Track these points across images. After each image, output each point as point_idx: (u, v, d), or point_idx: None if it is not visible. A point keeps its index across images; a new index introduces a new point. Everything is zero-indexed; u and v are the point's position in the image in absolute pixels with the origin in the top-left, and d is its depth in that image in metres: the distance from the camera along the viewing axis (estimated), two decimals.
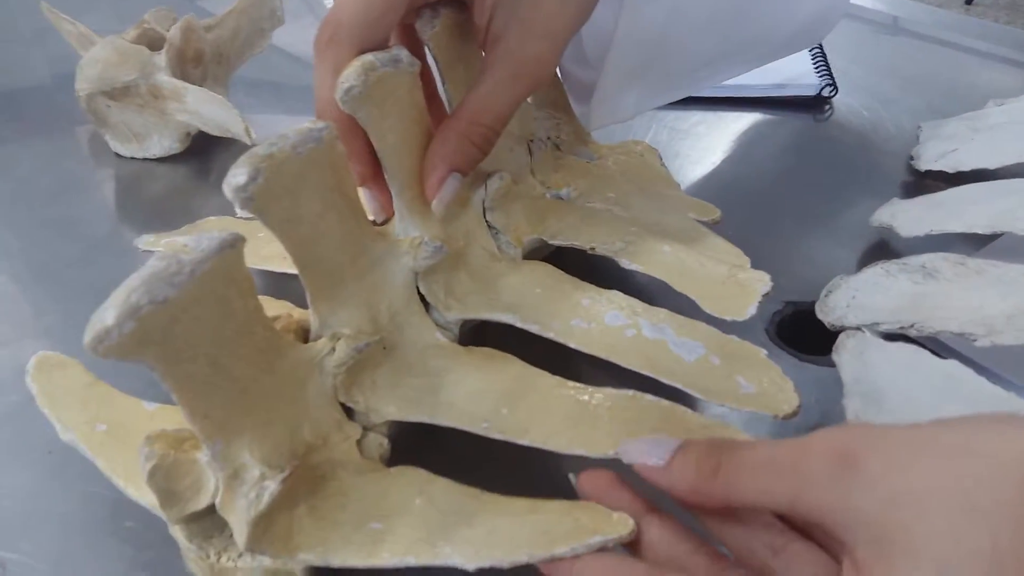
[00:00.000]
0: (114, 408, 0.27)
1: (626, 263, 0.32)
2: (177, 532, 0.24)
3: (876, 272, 0.33)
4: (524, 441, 0.25)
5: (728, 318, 0.29)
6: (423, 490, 0.24)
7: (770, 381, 0.26)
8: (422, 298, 0.29)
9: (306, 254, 0.25)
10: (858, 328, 0.31)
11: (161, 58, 0.44)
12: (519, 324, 0.29)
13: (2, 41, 0.63)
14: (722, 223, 0.39)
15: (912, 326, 0.30)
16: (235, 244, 0.21)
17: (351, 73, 0.26)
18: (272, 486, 0.21)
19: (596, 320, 0.29)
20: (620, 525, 0.21)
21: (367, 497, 0.23)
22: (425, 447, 0.26)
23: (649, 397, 0.26)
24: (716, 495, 0.21)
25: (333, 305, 0.26)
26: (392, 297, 0.28)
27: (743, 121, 0.55)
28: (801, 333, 0.36)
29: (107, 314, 0.18)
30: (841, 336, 0.31)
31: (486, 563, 0.21)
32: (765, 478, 0.20)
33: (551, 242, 0.34)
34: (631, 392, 0.26)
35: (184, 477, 0.23)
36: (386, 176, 0.28)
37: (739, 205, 0.46)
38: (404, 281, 0.28)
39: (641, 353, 0.28)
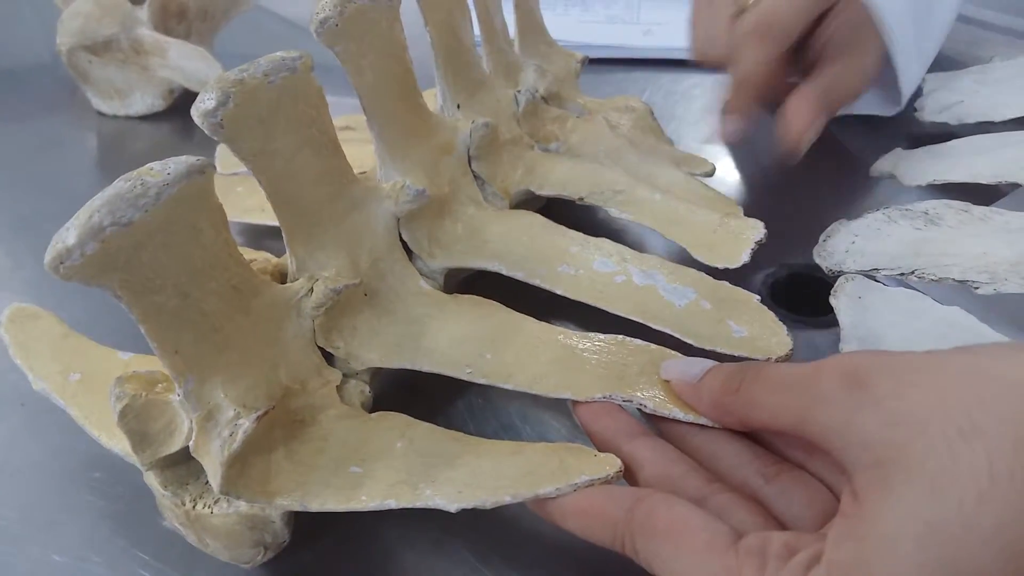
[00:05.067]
0: (88, 358, 0.27)
1: (615, 212, 0.31)
2: (151, 479, 0.23)
3: (877, 217, 0.32)
4: (508, 385, 0.24)
5: (720, 265, 0.29)
6: (404, 434, 0.23)
7: (762, 325, 0.25)
8: (406, 247, 0.28)
9: (280, 189, 0.24)
10: (857, 273, 0.30)
11: (143, 12, 0.43)
12: (505, 271, 0.28)
13: None
14: (717, 186, 0.39)
15: (913, 272, 0.29)
16: (204, 170, 0.20)
17: (327, 3, 0.25)
18: (246, 424, 0.21)
19: (584, 267, 0.28)
20: (606, 465, 0.21)
21: (347, 441, 0.23)
22: (407, 406, 0.25)
23: (637, 341, 0.25)
24: (735, 411, 0.21)
25: (311, 247, 0.25)
26: (373, 242, 0.27)
27: None
28: (796, 296, 0.35)
29: (68, 234, 0.17)
30: (840, 279, 0.30)
31: (468, 504, 0.20)
32: (778, 396, 0.20)
33: (539, 192, 0.33)
34: (619, 336, 0.25)
35: (157, 419, 0.22)
36: (366, 117, 0.28)
37: (735, 168, 0.45)
38: (385, 226, 0.27)
39: (630, 299, 0.27)
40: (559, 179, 0.33)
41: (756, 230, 0.30)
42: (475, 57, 0.34)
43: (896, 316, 0.28)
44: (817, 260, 0.32)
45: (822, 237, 0.33)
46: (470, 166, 0.32)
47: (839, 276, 0.31)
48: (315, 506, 0.21)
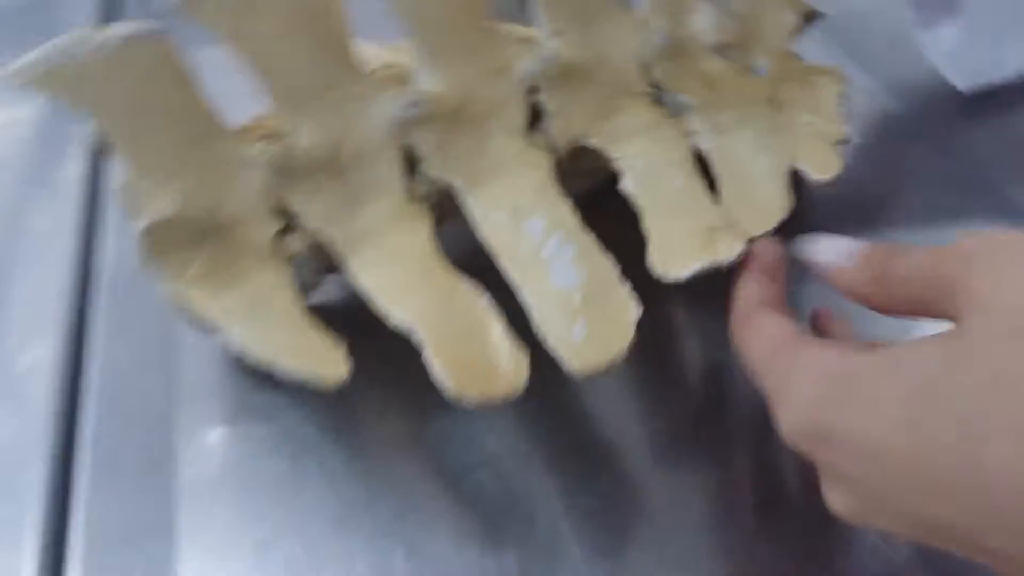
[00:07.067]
0: None
1: (622, 182, 0.29)
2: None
3: None
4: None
5: (659, 271, 0.25)
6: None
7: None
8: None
9: (268, 61, 0.27)
10: None
11: None
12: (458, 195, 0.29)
13: None
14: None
15: None
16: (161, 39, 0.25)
17: None
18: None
19: (516, 219, 0.27)
20: None
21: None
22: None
23: None
24: (880, 304, 0.21)
25: (297, 114, 0.28)
26: (365, 135, 0.29)
27: None
28: None
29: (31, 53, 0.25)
30: None
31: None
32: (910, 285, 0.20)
33: (582, 143, 0.31)
34: None
35: None
36: (405, 26, 0.29)
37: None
38: (383, 124, 0.29)
39: (520, 262, 0.26)
40: (612, 139, 0.31)
41: (731, 248, 0.25)
42: None
43: None
44: None
45: None
46: (529, 96, 0.31)
47: None
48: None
